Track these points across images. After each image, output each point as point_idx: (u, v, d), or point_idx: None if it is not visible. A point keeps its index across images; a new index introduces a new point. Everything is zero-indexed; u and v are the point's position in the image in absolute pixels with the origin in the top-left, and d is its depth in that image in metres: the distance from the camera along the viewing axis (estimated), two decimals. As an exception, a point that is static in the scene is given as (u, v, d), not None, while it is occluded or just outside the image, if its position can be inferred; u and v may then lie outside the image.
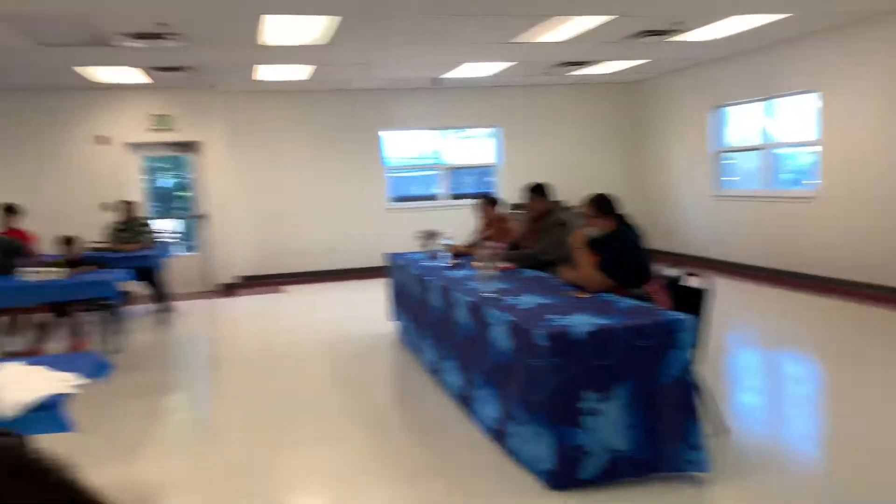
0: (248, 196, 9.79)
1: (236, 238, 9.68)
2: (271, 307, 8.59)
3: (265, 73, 8.29)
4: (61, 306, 6.23)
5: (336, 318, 7.58)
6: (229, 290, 9.46)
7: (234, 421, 4.64)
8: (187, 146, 9.53)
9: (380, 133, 10.37)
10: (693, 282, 3.90)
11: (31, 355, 5.01)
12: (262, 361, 6.01)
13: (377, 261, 7.35)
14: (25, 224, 7.35)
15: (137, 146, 9.36)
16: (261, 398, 5.04)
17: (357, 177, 10.22)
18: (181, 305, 8.23)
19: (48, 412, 2.76)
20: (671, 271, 4.23)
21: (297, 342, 6.56)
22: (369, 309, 7.32)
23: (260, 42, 6.47)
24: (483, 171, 11.05)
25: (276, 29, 6.04)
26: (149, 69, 7.73)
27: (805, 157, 8.50)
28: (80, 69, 7.50)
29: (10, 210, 7.23)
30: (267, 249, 9.88)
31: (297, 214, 10.02)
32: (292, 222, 10.00)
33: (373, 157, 10.36)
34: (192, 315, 8.09)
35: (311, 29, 6.13)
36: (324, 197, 10.10)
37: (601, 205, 4.14)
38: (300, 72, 8.31)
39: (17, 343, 6.15)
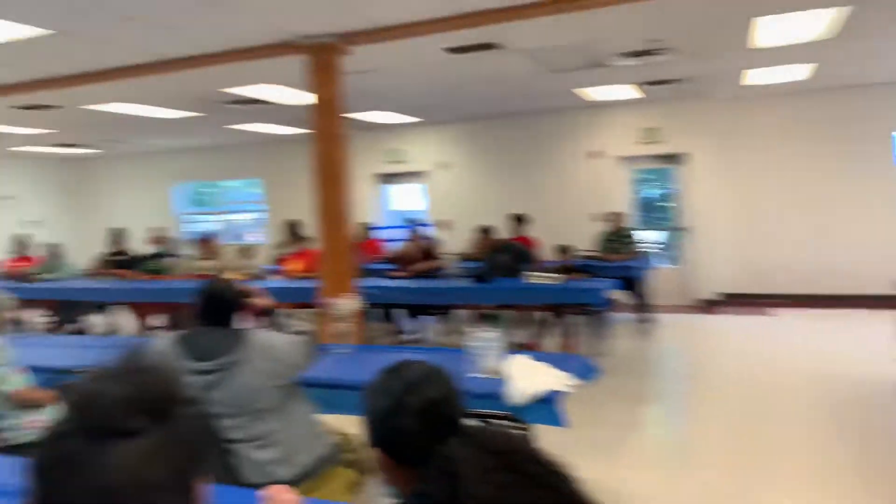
0: (734, 208, 9.40)
1: (719, 252, 9.39)
2: (754, 330, 8.06)
3: (756, 77, 7.83)
4: (556, 308, 6.93)
5: (832, 351, 6.67)
6: (710, 306, 9.24)
7: (709, 443, 4.49)
8: (673, 158, 9.65)
9: (894, 133, 8.81)
10: None
11: (530, 349, 5.71)
12: (740, 386, 5.70)
13: (889, 287, 6.24)
14: (530, 232, 8.43)
15: (627, 159, 9.87)
16: (738, 424, 4.78)
17: (862, 186, 8.87)
18: (660, 317, 8.36)
19: (546, 405, 3.06)
20: None
21: (782, 372, 6.02)
22: (877, 346, 6.26)
23: (750, 46, 6.13)
24: None
25: (770, 30, 5.63)
26: (640, 84, 8.06)
27: None
28: (577, 90, 8.26)
29: (519, 219, 8.37)
30: (752, 266, 9.32)
31: (786, 228, 9.21)
32: (781, 237, 9.22)
33: (883, 162, 8.86)
34: (671, 328, 8.15)
35: (813, 24, 5.54)
36: (819, 209, 9.05)
37: None
38: (798, 72, 7.60)
39: (521, 336, 7.08)
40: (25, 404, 3.44)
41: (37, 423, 3.46)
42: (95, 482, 0.72)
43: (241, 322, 2.88)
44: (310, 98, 5.55)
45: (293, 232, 8.03)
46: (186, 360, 2.61)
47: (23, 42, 4.84)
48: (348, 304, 4.04)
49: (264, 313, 3.02)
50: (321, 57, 5.34)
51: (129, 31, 4.75)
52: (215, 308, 2.73)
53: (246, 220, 13.56)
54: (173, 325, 8.27)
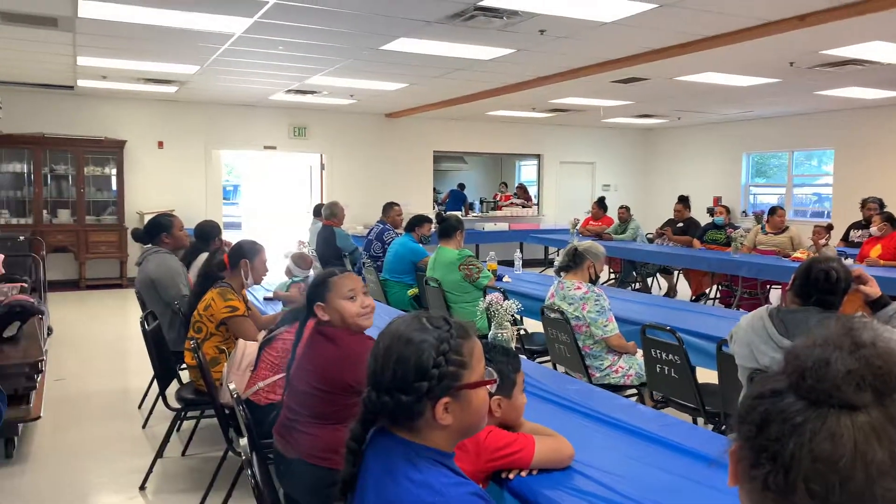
0: None
1: None
2: None
3: None
4: None
5: None
6: None
7: None
8: None
9: None
10: None
11: None
12: None
13: None
14: None
15: None
16: None
17: None
18: None
19: None
20: None
21: None
22: None
23: None
24: None
25: None
26: None
27: None
28: None
29: None
30: None
31: None
32: None
33: None
34: None
35: None
36: None
37: None
38: None
39: None
40: (615, 350, 3.83)
41: (621, 368, 3.83)
42: (816, 447, 0.74)
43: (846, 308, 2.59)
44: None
45: (888, 215, 6.99)
46: (780, 337, 2.48)
47: (628, 18, 5.27)
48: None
49: (874, 303, 2.64)
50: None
51: (732, -3, 4.71)
52: (819, 288, 2.51)
53: (810, 195, 12.51)
54: (726, 297, 8.21)
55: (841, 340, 0.80)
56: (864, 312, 2.76)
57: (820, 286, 2.51)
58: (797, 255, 7.14)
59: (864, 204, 7.99)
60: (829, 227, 7.31)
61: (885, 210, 7.26)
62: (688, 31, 5.62)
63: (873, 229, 6.99)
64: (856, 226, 8.18)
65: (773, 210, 7.88)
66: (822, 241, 7.00)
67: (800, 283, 2.57)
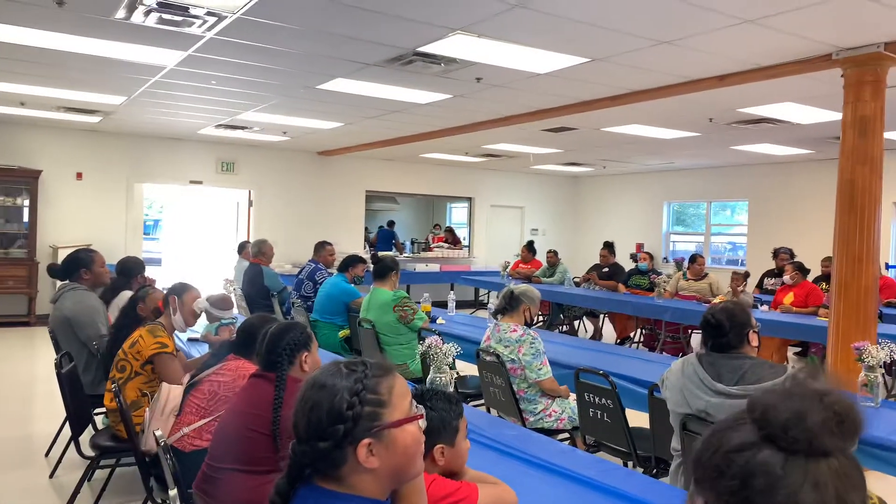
0: None
1: None
2: None
3: None
4: None
5: None
6: None
7: None
8: None
9: None
10: None
11: None
12: None
13: None
14: None
15: None
16: None
17: None
18: None
19: None
20: None
21: None
22: None
23: None
24: None
25: None
26: None
27: None
28: None
29: None
30: None
31: None
32: None
33: None
34: None
35: None
36: None
37: None
38: None
39: None
40: (548, 393, 3.85)
41: (555, 412, 3.85)
42: (805, 496, 0.76)
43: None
44: (836, 115, 4.99)
45: (798, 264, 7.39)
46: (712, 381, 2.55)
47: (561, 71, 5.46)
48: (879, 351, 3.46)
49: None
50: (861, 70, 4.73)
51: (659, 56, 4.94)
52: (709, 333, 2.63)
53: (726, 243, 13.12)
54: (650, 340, 8.44)
55: (802, 390, 0.83)
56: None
57: (709, 332, 2.64)
58: (716, 300, 7.43)
59: (777, 254, 8.42)
60: (746, 275, 7.66)
61: (795, 260, 7.67)
62: (616, 84, 5.86)
63: (786, 278, 7.37)
64: (769, 274, 8.60)
65: (694, 258, 8.20)
66: (740, 288, 7.31)
67: (708, 327, 2.68)
